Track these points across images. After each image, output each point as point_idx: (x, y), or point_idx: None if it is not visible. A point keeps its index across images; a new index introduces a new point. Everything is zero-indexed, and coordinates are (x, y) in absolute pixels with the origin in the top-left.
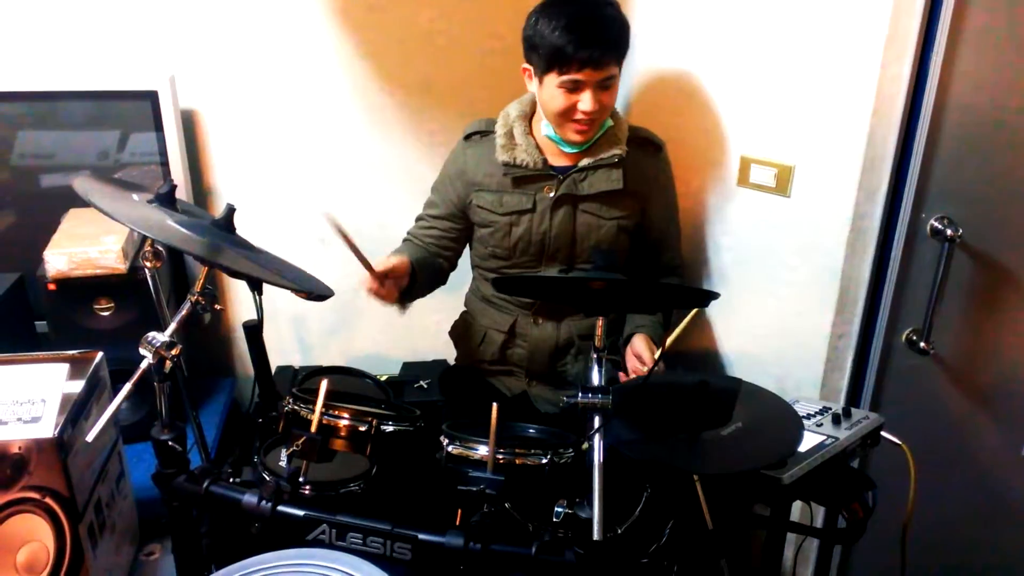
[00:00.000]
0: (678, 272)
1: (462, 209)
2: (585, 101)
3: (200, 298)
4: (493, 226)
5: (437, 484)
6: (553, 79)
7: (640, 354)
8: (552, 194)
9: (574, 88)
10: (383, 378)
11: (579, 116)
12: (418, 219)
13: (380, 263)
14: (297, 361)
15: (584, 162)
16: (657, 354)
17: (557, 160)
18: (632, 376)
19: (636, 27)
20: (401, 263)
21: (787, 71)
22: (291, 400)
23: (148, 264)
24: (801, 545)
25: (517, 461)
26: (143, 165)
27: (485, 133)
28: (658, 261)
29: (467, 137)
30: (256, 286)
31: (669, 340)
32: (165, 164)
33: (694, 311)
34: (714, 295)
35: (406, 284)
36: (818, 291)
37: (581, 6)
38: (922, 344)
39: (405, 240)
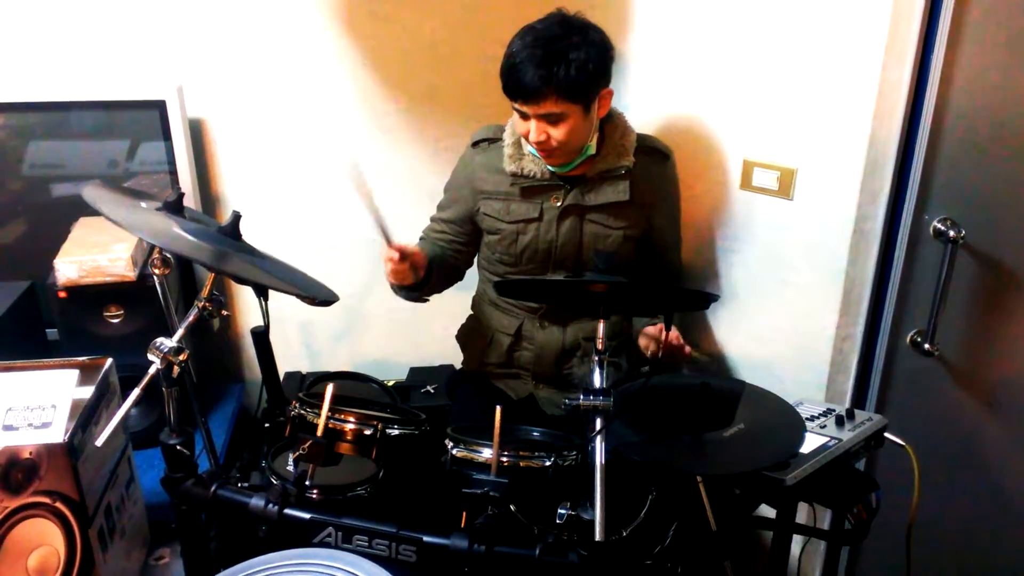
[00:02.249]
0: (677, 278)
1: (470, 215)
2: (530, 131)
3: (207, 304)
4: (500, 233)
5: (442, 487)
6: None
7: (655, 335)
8: (559, 204)
9: (523, 116)
10: (390, 383)
11: (532, 142)
12: (431, 220)
13: (402, 243)
14: (305, 367)
15: (591, 173)
16: (661, 344)
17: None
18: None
19: (637, 33)
20: (420, 251)
21: (788, 75)
22: (298, 405)
23: (157, 271)
24: (805, 546)
25: (521, 464)
26: (152, 174)
27: (493, 140)
28: (658, 267)
29: (475, 144)
30: (262, 292)
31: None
32: (173, 172)
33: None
34: (713, 297)
35: (422, 276)
36: (822, 293)
37: (537, 37)
38: (926, 346)
39: (420, 239)
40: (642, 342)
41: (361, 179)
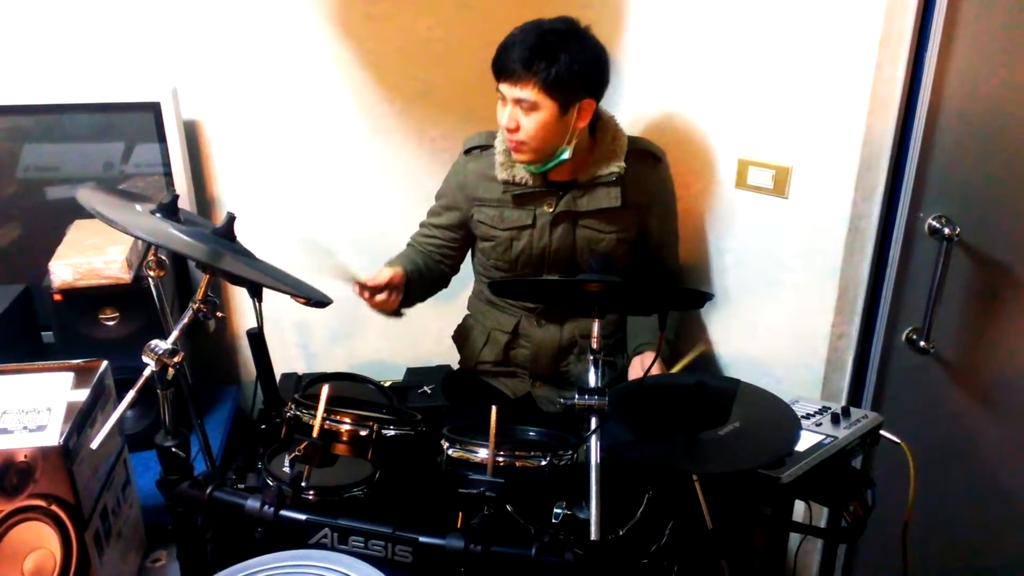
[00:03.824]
0: (675, 278)
1: (463, 222)
2: (502, 114)
3: (202, 306)
4: (494, 240)
5: (438, 487)
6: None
7: (647, 367)
8: (551, 210)
9: (503, 100)
10: (387, 384)
11: (503, 127)
12: (421, 225)
13: (372, 278)
14: (301, 368)
15: (582, 179)
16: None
17: (556, 176)
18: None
19: (631, 32)
20: (395, 275)
21: (782, 73)
22: (293, 406)
23: (152, 274)
24: (801, 544)
25: (517, 463)
26: (147, 176)
27: (485, 147)
28: (655, 268)
29: (467, 151)
30: (256, 292)
31: (677, 368)
32: (168, 175)
33: (700, 349)
34: (709, 296)
35: (402, 295)
36: (817, 291)
37: (538, 26)
38: (922, 343)
39: (408, 245)
40: (631, 375)
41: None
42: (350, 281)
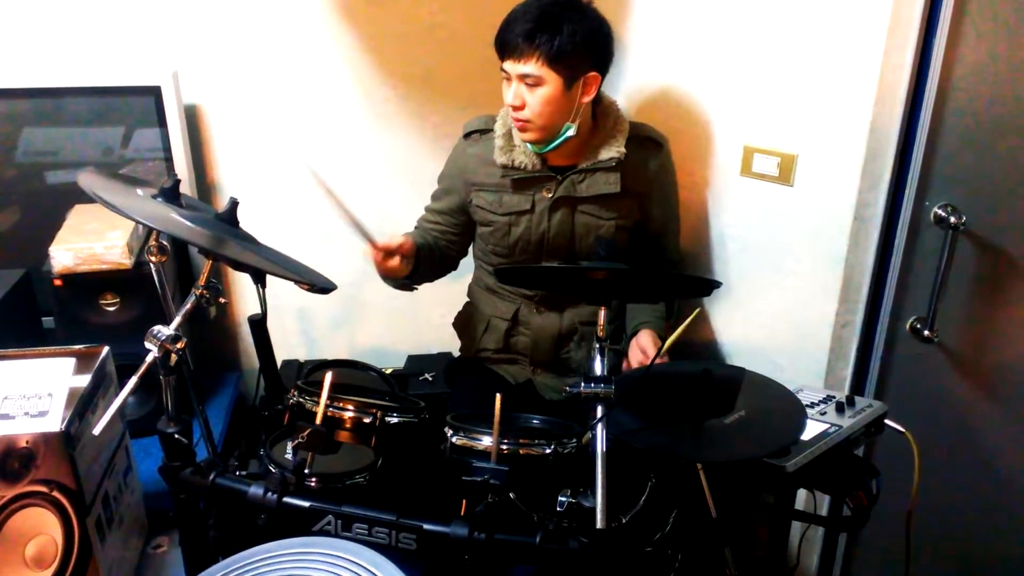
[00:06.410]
0: (677, 267)
1: (463, 206)
2: (508, 93)
3: (204, 292)
4: (493, 225)
5: (442, 475)
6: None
7: (644, 348)
8: (550, 195)
9: (507, 79)
10: (388, 371)
11: (508, 105)
12: (425, 209)
13: (386, 240)
14: (303, 355)
15: (582, 164)
16: (662, 348)
17: (556, 160)
18: (635, 367)
19: (636, 17)
20: (407, 242)
21: (789, 60)
22: (296, 393)
23: (153, 259)
24: (805, 533)
25: (521, 451)
26: (147, 160)
27: (484, 131)
28: (657, 256)
29: (467, 135)
30: (259, 279)
31: (671, 340)
32: (169, 159)
33: (696, 311)
34: (715, 284)
35: (412, 265)
36: (822, 280)
37: (540, 3)
38: (926, 332)
39: (415, 228)
40: (633, 358)
41: (328, 186)
42: (364, 238)
